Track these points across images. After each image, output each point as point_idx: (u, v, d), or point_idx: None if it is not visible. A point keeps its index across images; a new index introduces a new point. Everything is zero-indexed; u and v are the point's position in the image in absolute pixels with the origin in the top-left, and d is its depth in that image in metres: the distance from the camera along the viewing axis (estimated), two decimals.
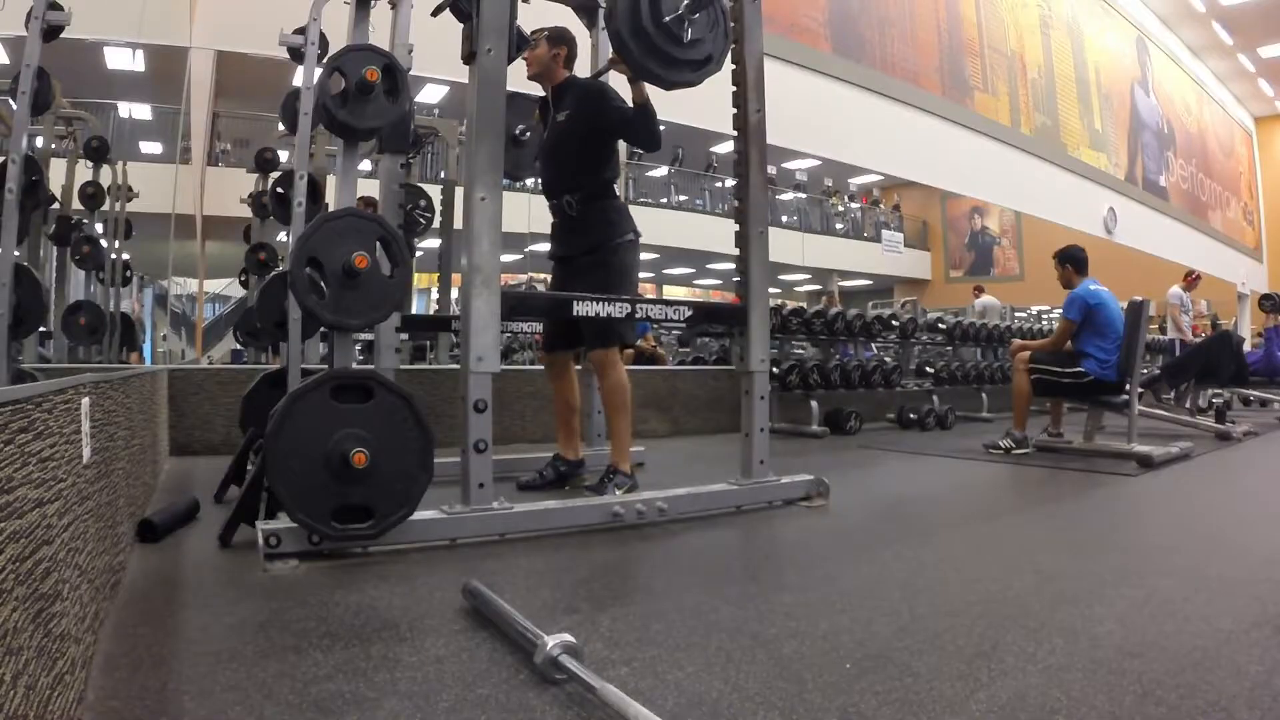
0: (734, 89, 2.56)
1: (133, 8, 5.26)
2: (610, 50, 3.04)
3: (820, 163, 13.86)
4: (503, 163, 2.13)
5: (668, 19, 2.27)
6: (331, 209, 2.30)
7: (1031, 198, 10.82)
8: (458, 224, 4.08)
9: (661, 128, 2.60)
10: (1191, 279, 8.50)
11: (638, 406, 4.72)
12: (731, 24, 2.55)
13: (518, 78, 2.31)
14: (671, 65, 2.34)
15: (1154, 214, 12.80)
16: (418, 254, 4.87)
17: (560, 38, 2.79)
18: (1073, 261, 4.15)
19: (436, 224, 5.09)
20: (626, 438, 2.68)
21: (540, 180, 2.87)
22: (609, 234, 2.67)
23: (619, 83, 2.62)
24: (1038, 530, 2.40)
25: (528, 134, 2.99)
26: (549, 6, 2.87)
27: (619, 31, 2.26)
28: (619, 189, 2.83)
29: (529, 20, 2.57)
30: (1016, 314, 11.42)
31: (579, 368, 2.97)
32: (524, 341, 6.82)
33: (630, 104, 2.55)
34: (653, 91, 2.49)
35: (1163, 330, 8.51)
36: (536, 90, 2.85)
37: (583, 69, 3.03)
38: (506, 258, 3.14)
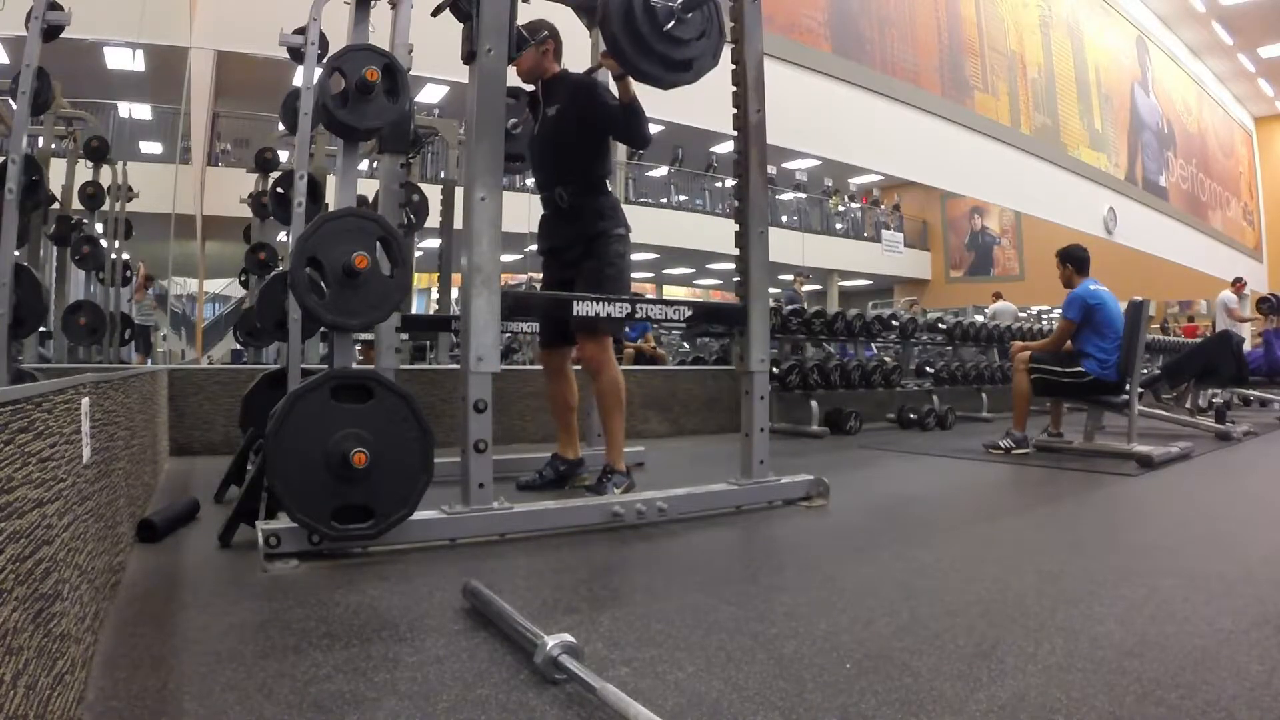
0: (734, 89, 2.56)
1: (133, 8, 5.27)
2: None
3: (820, 163, 13.87)
4: (503, 163, 2.14)
5: (661, 19, 2.26)
6: (331, 209, 2.30)
7: (1031, 198, 10.84)
8: (458, 224, 4.08)
9: (661, 128, 2.59)
10: (1240, 285, 10.10)
11: (638, 406, 4.73)
12: (731, 23, 2.55)
13: (517, 76, 2.30)
14: (667, 65, 2.33)
15: (1154, 214, 12.82)
16: (417, 254, 4.87)
17: (542, 31, 2.74)
18: (1073, 261, 4.15)
19: (436, 224, 5.10)
20: (621, 437, 2.67)
21: (533, 172, 2.87)
22: (601, 226, 2.66)
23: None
24: (1038, 530, 2.40)
25: (519, 128, 2.98)
26: (549, 7, 2.87)
27: (613, 33, 2.26)
28: (614, 186, 2.83)
29: (529, 20, 2.57)
30: (1017, 314, 11.47)
31: (577, 367, 2.97)
32: (524, 341, 6.84)
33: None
34: (652, 92, 2.48)
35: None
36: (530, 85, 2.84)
37: (582, 69, 3.03)
38: (506, 258, 3.13)
